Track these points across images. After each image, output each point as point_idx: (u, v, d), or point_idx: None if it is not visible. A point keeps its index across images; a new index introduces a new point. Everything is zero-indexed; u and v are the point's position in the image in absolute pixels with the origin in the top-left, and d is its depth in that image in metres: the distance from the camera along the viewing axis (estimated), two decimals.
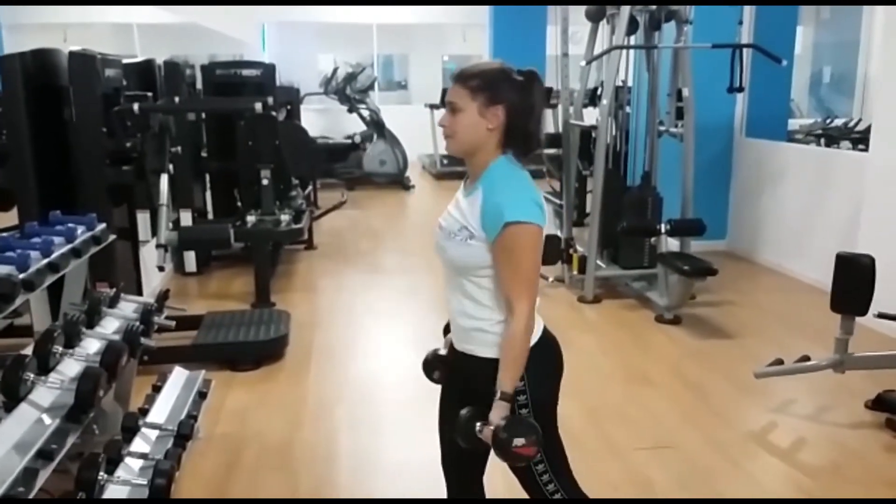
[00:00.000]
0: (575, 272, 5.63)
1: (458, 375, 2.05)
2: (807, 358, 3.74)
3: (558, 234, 5.85)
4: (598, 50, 5.57)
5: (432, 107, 11.71)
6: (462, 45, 16.44)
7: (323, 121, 12.94)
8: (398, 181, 10.80)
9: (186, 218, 5.85)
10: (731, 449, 3.36)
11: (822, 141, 8.47)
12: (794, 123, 8.99)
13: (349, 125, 12.10)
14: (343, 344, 4.67)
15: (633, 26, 5.46)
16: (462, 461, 2.12)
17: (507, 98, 1.85)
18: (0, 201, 4.04)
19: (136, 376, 3.45)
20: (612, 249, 5.74)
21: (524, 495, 2.04)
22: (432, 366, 2.11)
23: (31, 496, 1.89)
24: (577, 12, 5.99)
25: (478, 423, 1.83)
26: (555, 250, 5.72)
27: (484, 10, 13.33)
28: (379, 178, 10.82)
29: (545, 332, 2.00)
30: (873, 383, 3.77)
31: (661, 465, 3.21)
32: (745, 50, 5.43)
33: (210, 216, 6.73)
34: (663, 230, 5.17)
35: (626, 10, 5.20)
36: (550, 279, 5.79)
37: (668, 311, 5.00)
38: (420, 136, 11.63)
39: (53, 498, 2.41)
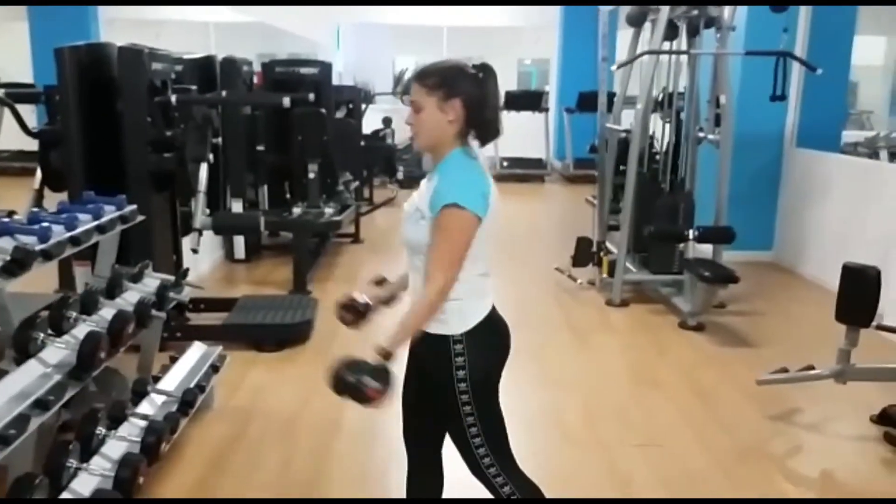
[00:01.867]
0: (605, 275, 5.67)
1: (412, 351, 2.20)
2: (811, 367, 3.73)
3: (589, 236, 5.90)
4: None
5: None
6: (535, 47, 16.52)
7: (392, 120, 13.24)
8: None
9: (237, 207, 6.19)
10: (722, 453, 3.39)
11: (885, 154, 8.20)
12: (859, 135, 8.75)
13: None
14: (367, 332, 4.84)
15: (672, 31, 5.48)
16: (423, 434, 2.27)
17: (463, 91, 1.99)
18: (55, 181, 4.39)
19: (170, 352, 3.70)
20: (644, 254, 5.76)
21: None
22: (343, 305, 2.24)
23: (21, 439, 2.14)
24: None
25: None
26: (586, 252, 5.80)
27: (555, 13, 13.39)
28: None
29: (492, 313, 2.11)
30: (885, 397, 3.72)
31: (645, 463, 3.28)
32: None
33: (264, 206, 7.04)
34: (691, 236, 5.16)
35: (663, 14, 5.21)
36: (580, 281, 5.85)
37: (692, 318, 5.00)
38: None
39: None
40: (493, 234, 2.05)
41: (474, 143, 2.07)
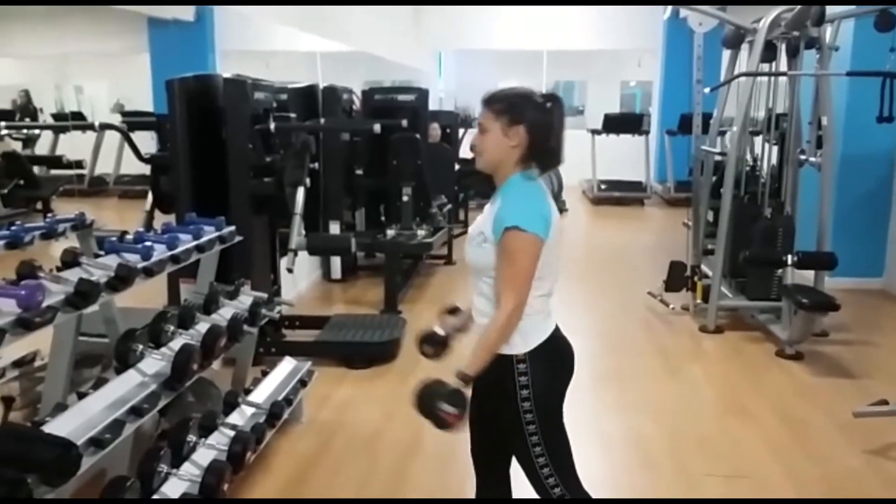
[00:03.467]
0: (699, 300, 5.55)
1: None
2: None
3: (683, 260, 5.78)
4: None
5: (594, 132, 11.78)
6: (637, 70, 16.34)
7: None
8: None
9: (335, 229, 6.43)
10: (810, 486, 3.26)
11: None
12: None
13: None
14: (453, 351, 4.93)
15: (771, 53, 5.35)
16: (489, 453, 2.31)
17: (528, 118, 2.05)
18: (164, 204, 4.69)
19: (263, 366, 3.87)
20: (741, 280, 5.60)
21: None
22: (423, 339, 2.32)
23: (115, 443, 2.31)
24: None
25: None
26: (680, 277, 5.69)
27: (658, 36, 13.23)
28: None
29: (555, 333, 2.14)
30: None
31: (727, 494, 3.19)
32: None
33: (361, 228, 7.26)
34: (790, 262, 4.99)
35: (761, 35, 5.11)
36: (672, 306, 5.74)
37: (790, 346, 4.83)
38: (582, 160, 11.73)
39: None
40: (557, 256, 2.09)
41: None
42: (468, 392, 1.99)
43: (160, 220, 4.82)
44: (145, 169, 5.51)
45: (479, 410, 2.27)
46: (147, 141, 7.73)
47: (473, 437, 2.34)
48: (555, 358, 2.13)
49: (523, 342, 2.05)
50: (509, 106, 2.06)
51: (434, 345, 2.31)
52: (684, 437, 3.76)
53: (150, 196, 4.88)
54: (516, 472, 2.22)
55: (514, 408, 2.06)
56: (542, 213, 2.03)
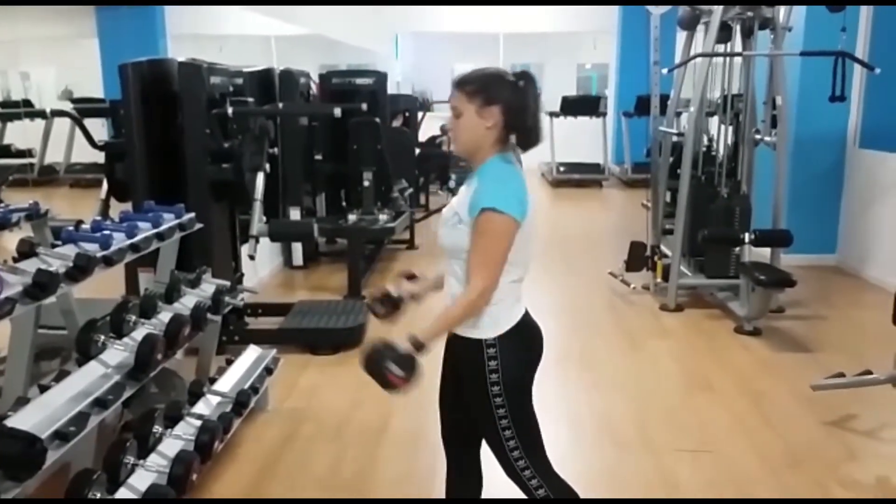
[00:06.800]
0: (659, 280, 5.63)
1: (448, 354, 2.25)
2: (869, 372, 3.64)
3: (644, 241, 5.85)
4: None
5: (552, 115, 11.83)
6: (593, 53, 16.44)
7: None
8: None
9: (295, 215, 6.36)
10: (774, 458, 3.34)
11: None
12: None
13: None
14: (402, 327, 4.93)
15: (726, 34, 5.41)
16: (460, 437, 2.31)
17: (502, 98, 2.02)
18: (120, 192, 4.59)
19: (227, 355, 3.82)
20: (700, 258, 5.69)
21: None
22: (376, 298, 2.27)
23: (80, 435, 2.26)
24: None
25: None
26: (640, 257, 5.75)
27: (613, 18, 13.31)
28: None
29: (525, 316, 2.14)
30: None
31: (694, 468, 3.25)
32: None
33: (321, 214, 7.19)
34: (747, 240, 5.08)
35: (716, 16, 5.16)
36: (634, 286, 5.81)
37: (748, 322, 4.92)
38: (541, 144, 11.73)
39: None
40: (530, 240, 2.08)
41: (517, 150, 2.10)
42: (419, 358, 1.96)
43: (116, 208, 4.73)
44: (98, 157, 5.38)
45: (450, 393, 2.27)
46: (98, 128, 7.56)
47: (444, 422, 2.34)
48: (524, 342, 2.13)
49: (493, 327, 2.05)
50: (482, 87, 2.04)
51: (386, 306, 2.26)
52: (650, 413, 3.81)
53: (105, 184, 4.77)
54: (487, 456, 2.22)
55: (484, 392, 2.06)
56: (519, 197, 2.02)
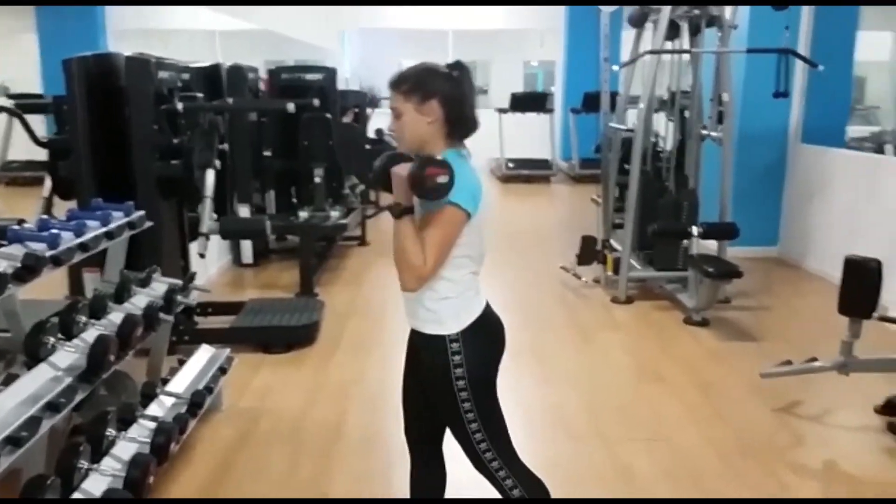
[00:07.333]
0: (610, 273, 5.71)
1: (411, 350, 2.25)
2: (814, 359, 3.75)
3: (594, 235, 5.93)
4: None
5: (501, 111, 11.89)
6: (540, 50, 16.57)
7: None
8: None
9: (244, 212, 6.27)
10: (725, 446, 3.42)
11: (891, 148, 8.20)
12: (865, 131, 8.75)
13: None
14: (372, 333, 4.92)
15: (674, 31, 5.51)
16: (424, 432, 2.31)
17: (439, 91, 2.01)
18: (64, 190, 4.46)
19: (179, 355, 3.75)
20: (649, 252, 5.79)
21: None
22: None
23: (32, 440, 2.19)
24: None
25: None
26: (591, 251, 5.83)
27: (560, 15, 13.42)
28: None
29: (486, 309, 2.14)
30: (888, 387, 3.73)
31: (648, 457, 3.31)
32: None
33: (271, 211, 7.10)
34: (695, 233, 5.19)
35: (665, 14, 5.25)
36: (585, 279, 5.89)
37: (697, 313, 5.03)
38: (490, 140, 11.82)
39: None
40: (483, 234, 2.09)
41: (466, 145, 2.10)
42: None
43: (60, 206, 4.60)
44: (36, 154, 5.21)
45: (414, 388, 2.27)
46: (37, 124, 7.31)
47: (408, 418, 2.33)
48: (487, 335, 2.13)
49: (455, 321, 2.05)
50: (417, 83, 2.03)
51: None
52: (603, 404, 3.87)
53: (47, 181, 4.63)
54: (451, 450, 2.23)
55: (450, 387, 2.06)
56: (472, 191, 2.02)
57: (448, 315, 2.05)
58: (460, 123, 2.06)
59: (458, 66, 2.05)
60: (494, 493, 2.19)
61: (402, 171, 1.96)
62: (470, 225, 2.00)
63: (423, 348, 2.12)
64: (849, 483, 3.19)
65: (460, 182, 2.00)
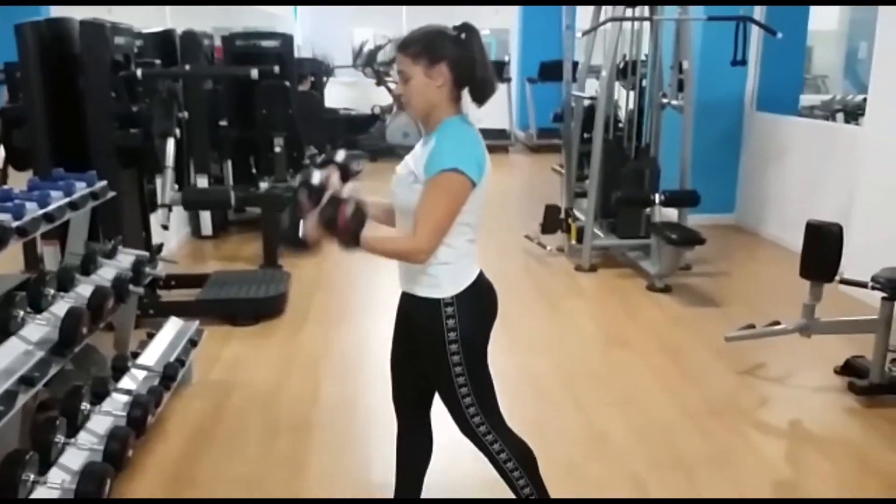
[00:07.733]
0: (574, 241, 5.76)
1: (403, 315, 2.23)
2: (777, 323, 3.86)
3: (558, 203, 5.97)
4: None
5: None
6: (494, 18, 16.46)
7: (353, 93, 13.12)
8: None
9: (202, 182, 6.14)
10: (693, 407, 3.50)
11: (841, 116, 8.38)
12: (815, 99, 8.93)
13: (378, 98, 12.26)
14: (340, 304, 4.91)
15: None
16: (412, 397, 2.32)
17: (447, 54, 1.99)
18: (19, 160, 4.31)
19: (145, 328, 3.69)
20: (612, 220, 5.85)
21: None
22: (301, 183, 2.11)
23: (9, 415, 2.14)
24: None
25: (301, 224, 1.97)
26: (554, 220, 5.87)
27: None
28: (402, 149, 10.97)
29: (480, 276, 2.16)
30: (848, 349, 3.86)
31: (621, 420, 3.37)
32: (751, 24, 5.47)
33: (229, 181, 6.98)
34: (657, 201, 5.26)
35: None
36: (549, 248, 5.93)
37: (659, 280, 5.12)
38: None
39: None
40: (483, 202, 2.09)
41: (472, 108, 2.08)
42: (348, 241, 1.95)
43: (15, 178, 4.45)
44: None
45: (404, 352, 2.26)
46: None
47: (396, 383, 2.33)
48: (480, 301, 2.15)
49: (452, 286, 2.06)
50: (425, 46, 2.00)
51: (309, 195, 2.03)
52: (573, 370, 3.93)
53: (1, 151, 4.46)
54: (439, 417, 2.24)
55: (442, 351, 2.06)
56: (478, 159, 2.02)
57: (445, 279, 2.06)
58: (474, 86, 2.04)
59: (465, 28, 2.02)
60: (480, 472, 2.20)
61: (315, 234, 1.96)
62: (474, 193, 2.00)
63: (416, 311, 2.12)
64: (812, 441, 3.31)
65: (466, 150, 2.00)
